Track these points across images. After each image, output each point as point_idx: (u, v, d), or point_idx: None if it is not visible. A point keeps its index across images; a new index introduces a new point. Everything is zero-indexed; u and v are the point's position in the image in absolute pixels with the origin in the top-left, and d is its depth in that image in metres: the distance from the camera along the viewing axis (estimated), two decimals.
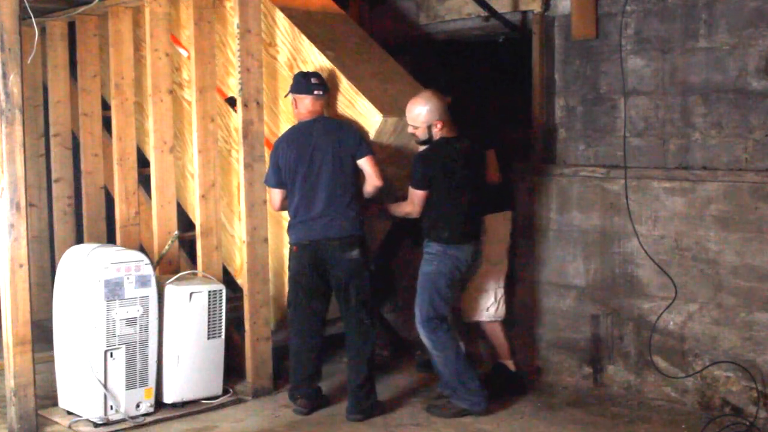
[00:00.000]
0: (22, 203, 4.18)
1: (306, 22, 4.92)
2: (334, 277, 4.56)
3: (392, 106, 4.62)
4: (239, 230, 5.01)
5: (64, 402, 4.54)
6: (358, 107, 4.63)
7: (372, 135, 4.60)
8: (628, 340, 4.93)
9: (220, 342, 4.73)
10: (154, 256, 5.07)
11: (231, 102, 5.13)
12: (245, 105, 4.79)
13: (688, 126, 4.68)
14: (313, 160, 4.52)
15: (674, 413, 4.62)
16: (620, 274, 4.95)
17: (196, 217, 5.04)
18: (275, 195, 4.67)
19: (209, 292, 4.68)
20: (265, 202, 4.90)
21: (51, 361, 4.65)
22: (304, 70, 4.72)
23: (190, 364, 4.64)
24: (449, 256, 4.53)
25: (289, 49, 4.87)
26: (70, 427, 4.38)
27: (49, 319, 4.62)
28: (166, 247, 5.03)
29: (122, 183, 5.47)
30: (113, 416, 4.38)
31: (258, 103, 4.84)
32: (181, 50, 5.29)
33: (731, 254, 4.53)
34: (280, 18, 4.89)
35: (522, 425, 4.46)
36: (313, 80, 4.59)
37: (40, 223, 6.34)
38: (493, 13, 5.26)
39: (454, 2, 5.68)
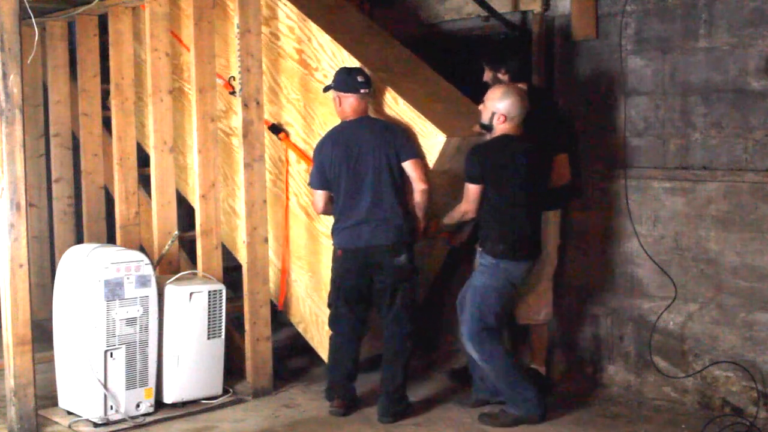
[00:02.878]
0: (22, 203, 4.18)
1: (353, 44, 4.82)
2: (379, 281, 4.45)
3: (453, 126, 4.49)
4: (287, 265, 5.04)
5: (64, 402, 4.53)
6: (417, 129, 4.48)
7: (435, 156, 4.43)
8: (628, 340, 4.94)
9: (220, 342, 4.73)
10: (154, 256, 5.07)
11: (274, 129, 5.05)
12: (245, 105, 4.79)
13: (688, 126, 4.68)
14: (358, 161, 4.41)
15: (674, 413, 4.62)
16: (620, 274, 4.95)
17: (197, 218, 5.03)
18: (318, 197, 4.55)
19: (209, 292, 4.67)
20: (265, 201, 4.90)
21: (51, 361, 4.64)
22: (348, 66, 4.60)
23: (190, 364, 4.63)
24: (502, 270, 4.36)
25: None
26: (70, 427, 4.38)
27: (49, 319, 4.61)
28: (166, 247, 5.03)
29: (122, 183, 5.47)
30: (113, 416, 4.38)
31: (258, 102, 4.84)
32: (219, 80, 5.20)
33: (731, 254, 4.53)
34: (327, 41, 4.80)
35: (521, 425, 4.45)
36: (358, 78, 4.45)
37: (40, 223, 6.33)
38: (493, 13, 5.26)
39: (454, 2, 5.68)
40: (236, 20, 4.77)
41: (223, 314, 4.72)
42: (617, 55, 4.86)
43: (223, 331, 4.73)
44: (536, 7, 5.21)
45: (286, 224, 5.08)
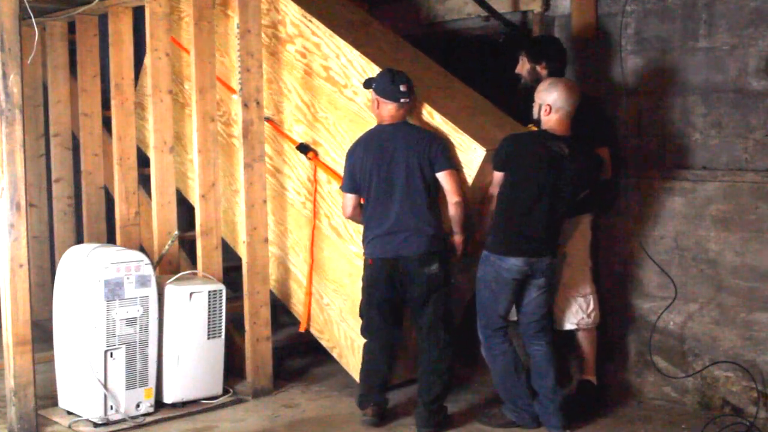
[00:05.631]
0: (22, 203, 4.18)
1: (382, 58, 4.73)
2: (410, 291, 4.34)
3: (491, 139, 4.37)
4: (319, 288, 4.99)
5: (64, 402, 4.54)
6: (455, 143, 4.37)
7: (474, 171, 4.32)
8: (628, 340, 4.94)
9: (220, 342, 4.73)
10: (154, 256, 5.07)
11: (302, 149, 4.98)
12: (245, 105, 4.79)
13: (688, 126, 4.68)
14: (390, 168, 4.30)
15: (674, 413, 4.62)
16: (620, 274, 4.95)
17: (197, 218, 5.03)
18: (348, 201, 4.45)
19: (209, 292, 4.68)
20: (265, 201, 4.90)
21: (51, 361, 4.65)
22: (392, 69, 4.45)
23: (190, 364, 4.64)
24: (491, 264, 4.23)
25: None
26: (70, 427, 4.38)
27: (49, 319, 4.62)
28: (166, 247, 5.03)
29: (122, 183, 5.47)
30: (113, 416, 4.38)
31: (258, 102, 4.84)
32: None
33: (731, 254, 4.53)
34: (356, 57, 4.71)
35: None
36: (401, 87, 4.34)
37: (40, 223, 6.34)
38: (493, 13, 5.26)
39: (454, 2, 5.68)
40: (236, 20, 4.77)
41: (223, 314, 4.72)
42: (617, 55, 4.86)
43: (223, 331, 4.74)
44: (536, 7, 5.21)
45: (312, 245, 4.97)
